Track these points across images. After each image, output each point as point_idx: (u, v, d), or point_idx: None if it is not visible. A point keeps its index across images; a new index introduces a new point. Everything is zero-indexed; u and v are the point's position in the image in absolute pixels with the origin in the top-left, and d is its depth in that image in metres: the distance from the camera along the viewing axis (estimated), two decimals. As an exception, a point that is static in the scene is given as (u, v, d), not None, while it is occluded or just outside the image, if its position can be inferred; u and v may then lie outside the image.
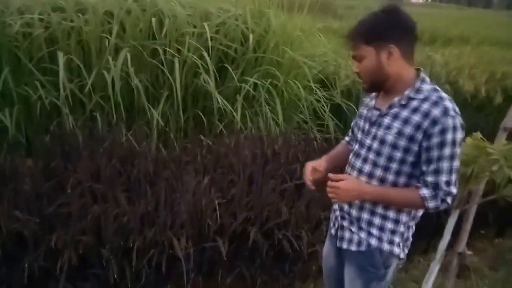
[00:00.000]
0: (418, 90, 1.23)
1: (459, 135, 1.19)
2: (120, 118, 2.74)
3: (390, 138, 1.25)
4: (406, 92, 1.24)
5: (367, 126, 1.34)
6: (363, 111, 1.39)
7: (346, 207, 1.40)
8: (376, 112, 1.31)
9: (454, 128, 1.18)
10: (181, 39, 3.03)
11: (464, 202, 1.65)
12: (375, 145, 1.29)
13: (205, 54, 2.97)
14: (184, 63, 2.98)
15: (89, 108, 2.76)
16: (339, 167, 1.50)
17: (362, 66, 1.25)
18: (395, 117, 1.25)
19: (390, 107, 1.27)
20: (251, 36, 3.17)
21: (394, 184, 1.29)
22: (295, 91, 3.30)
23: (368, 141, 1.32)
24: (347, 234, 1.41)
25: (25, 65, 2.69)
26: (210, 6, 3.38)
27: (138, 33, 2.97)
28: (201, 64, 2.96)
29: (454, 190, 1.23)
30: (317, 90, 3.44)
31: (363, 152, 1.34)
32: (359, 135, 1.37)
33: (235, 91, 3.16)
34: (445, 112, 1.18)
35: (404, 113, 1.23)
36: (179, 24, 3.08)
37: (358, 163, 1.35)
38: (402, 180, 1.28)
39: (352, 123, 1.51)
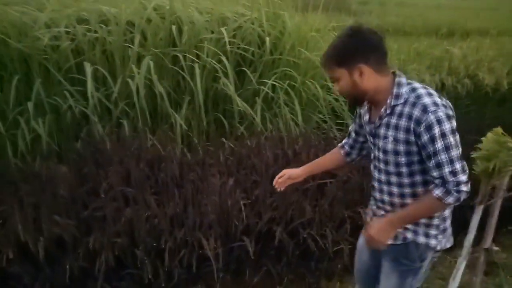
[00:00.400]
0: (397, 96, 1.30)
1: (447, 125, 1.23)
2: (145, 124, 2.84)
3: (390, 146, 1.33)
4: (388, 101, 1.31)
5: (371, 139, 1.42)
6: (365, 126, 1.46)
7: (380, 203, 1.45)
8: (371, 125, 1.40)
9: (439, 121, 1.23)
10: (200, 45, 3.12)
11: (488, 197, 1.67)
12: (381, 155, 1.37)
13: (224, 58, 3.05)
14: (204, 68, 3.07)
15: (115, 115, 2.87)
16: (319, 173, 1.74)
17: (340, 86, 1.34)
18: (387, 126, 1.33)
19: (380, 118, 1.34)
20: (267, 39, 3.23)
21: (412, 185, 1.35)
22: (313, 91, 3.34)
23: (376, 153, 1.41)
24: None
25: (54, 76, 2.82)
26: (226, 11, 3.46)
27: (159, 41, 3.07)
28: (220, 68, 3.04)
29: (463, 177, 1.25)
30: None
31: (377, 163, 1.41)
32: (372, 150, 1.45)
33: (254, 94, 3.23)
34: (424, 109, 1.24)
35: (393, 120, 1.31)
36: (197, 30, 3.17)
37: (377, 174, 1.43)
38: (418, 178, 1.34)
39: (350, 128, 1.60)
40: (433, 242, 1.39)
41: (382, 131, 1.34)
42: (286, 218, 2.17)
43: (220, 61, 3.07)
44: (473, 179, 1.37)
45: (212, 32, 3.21)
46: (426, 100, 1.25)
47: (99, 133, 2.69)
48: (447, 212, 1.41)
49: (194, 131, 3.03)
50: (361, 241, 1.63)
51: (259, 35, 3.32)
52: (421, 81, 3.70)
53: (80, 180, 2.22)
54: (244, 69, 3.22)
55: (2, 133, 2.47)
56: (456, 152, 1.25)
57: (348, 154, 1.61)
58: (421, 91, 1.28)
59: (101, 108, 2.87)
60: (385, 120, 1.32)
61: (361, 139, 1.56)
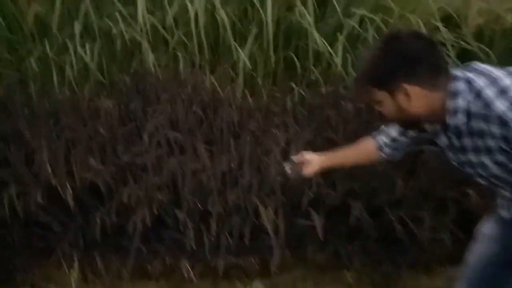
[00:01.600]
0: (454, 112, 0.99)
1: None
2: (203, 59, 2.43)
3: (487, 161, 1.02)
4: (448, 124, 1.01)
5: (448, 153, 1.12)
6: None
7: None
8: (445, 139, 1.09)
9: (509, 109, 0.91)
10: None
11: None
12: (480, 170, 1.07)
13: (303, -19, 2.44)
14: (278, -7, 2.50)
15: (171, 45, 2.48)
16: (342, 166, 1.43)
17: (384, 110, 1.06)
18: (463, 149, 1.05)
19: (449, 139, 1.06)
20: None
21: None
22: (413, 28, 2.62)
23: (469, 170, 1.10)
24: None
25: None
26: None
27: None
28: (298, -6, 2.45)
29: None
30: (442, 30, 2.71)
31: (472, 172, 1.10)
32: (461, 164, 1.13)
33: (336, 29, 2.61)
34: (504, 123, 0.93)
35: (467, 142, 1.02)
36: None
37: (482, 181, 1.12)
38: None
39: (394, 134, 1.28)
40: None
41: (460, 152, 1.06)
42: (368, 192, 1.69)
43: (297, -15, 2.47)
44: None
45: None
46: (498, 106, 0.92)
47: (152, 66, 2.33)
48: None
49: (259, 72, 2.55)
50: (488, 230, 1.23)
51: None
52: None
53: (123, 118, 1.90)
54: (327, -4, 2.59)
55: (48, 55, 2.21)
56: None
57: (390, 155, 1.33)
58: (477, 84, 0.96)
59: (156, 36, 2.48)
60: (455, 142, 1.04)
61: (408, 138, 1.26)
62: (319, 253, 1.81)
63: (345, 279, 1.87)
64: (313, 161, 1.37)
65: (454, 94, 0.98)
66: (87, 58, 2.24)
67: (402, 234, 1.63)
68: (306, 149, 1.83)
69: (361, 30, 2.57)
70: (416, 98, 0.98)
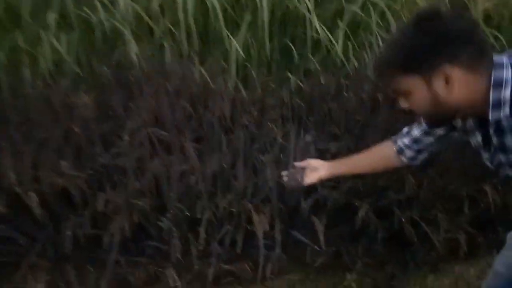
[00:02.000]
0: (497, 104, 0.83)
1: None
2: (192, 49, 2.23)
3: None
4: (490, 118, 0.85)
5: (481, 152, 0.98)
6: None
7: None
8: (480, 138, 0.95)
9: None
10: None
11: None
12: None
13: (300, -37, 2.25)
14: (272, -24, 2.30)
15: (157, 35, 2.28)
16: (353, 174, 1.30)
17: (411, 102, 0.90)
18: (503, 148, 0.89)
19: (486, 136, 0.92)
20: None
21: None
22: (419, 14, 2.43)
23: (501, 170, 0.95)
24: None
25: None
26: None
27: None
28: (294, -23, 2.26)
29: None
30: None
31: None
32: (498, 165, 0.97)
33: (336, 14, 2.42)
34: None
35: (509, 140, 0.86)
36: None
37: None
38: None
39: (416, 133, 1.13)
40: None
41: (500, 152, 0.90)
42: (375, 190, 1.51)
43: (294, -32, 2.27)
44: None
45: None
46: None
47: (135, 57, 2.13)
48: None
49: (253, 61, 2.36)
50: None
51: None
52: None
53: (102, 115, 1.71)
54: (325, -20, 2.40)
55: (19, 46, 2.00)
56: None
57: (413, 159, 1.17)
58: None
59: (140, 25, 2.28)
60: (494, 140, 0.89)
61: (434, 138, 1.10)
62: (317, 255, 1.64)
63: (346, 281, 1.71)
64: (318, 168, 1.22)
65: (499, 83, 0.81)
66: (63, 50, 2.03)
67: (412, 235, 1.46)
68: (306, 145, 1.66)
69: (363, 15, 2.39)
70: (457, 84, 0.83)
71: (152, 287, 1.46)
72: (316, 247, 1.58)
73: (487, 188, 1.56)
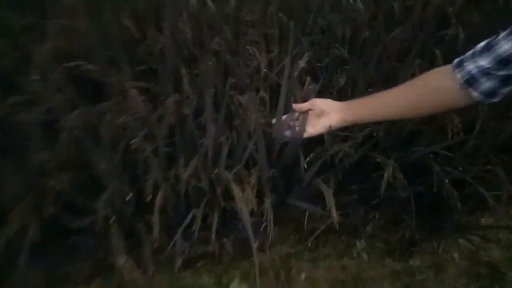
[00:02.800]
0: None
1: None
2: None
3: None
4: None
5: None
6: None
7: None
8: None
9: None
10: None
11: None
12: None
13: None
14: None
15: None
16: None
17: None
18: None
19: None
20: None
21: None
22: None
23: None
24: None
25: None
26: None
27: None
28: None
29: None
30: None
31: None
32: None
33: None
34: None
35: None
36: None
37: None
38: None
39: (484, 63, 0.68)
40: None
41: None
42: (400, 139, 1.07)
43: None
44: None
45: None
46: None
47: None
48: None
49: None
50: None
51: None
52: None
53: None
54: None
55: None
56: None
57: (491, 93, 0.71)
58: None
59: None
60: None
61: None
62: (320, 222, 1.26)
63: (353, 249, 1.37)
64: (327, 112, 0.77)
65: None
66: None
67: (455, 198, 1.05)
68: (300, 78, 1.16)
69: None
70: None
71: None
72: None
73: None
